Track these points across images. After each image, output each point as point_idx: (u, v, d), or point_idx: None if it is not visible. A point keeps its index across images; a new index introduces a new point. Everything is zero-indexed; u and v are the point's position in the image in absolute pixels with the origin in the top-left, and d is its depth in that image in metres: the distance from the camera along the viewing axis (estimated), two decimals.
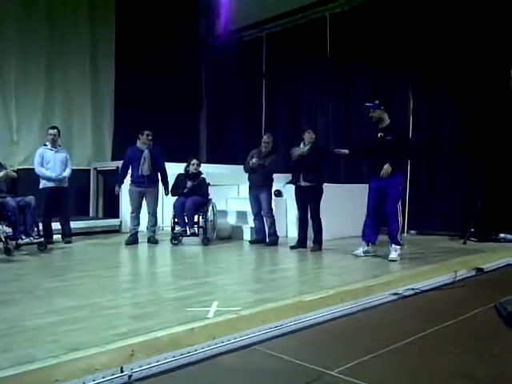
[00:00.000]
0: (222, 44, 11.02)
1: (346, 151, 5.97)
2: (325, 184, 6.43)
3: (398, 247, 5.51)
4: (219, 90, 11.24)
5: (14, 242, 5.85)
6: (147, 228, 6.99)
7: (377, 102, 5.50)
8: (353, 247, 5.89)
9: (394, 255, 5.46)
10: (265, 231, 6.89)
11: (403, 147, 5.48)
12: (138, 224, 6.92)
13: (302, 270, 5.38)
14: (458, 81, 7.68)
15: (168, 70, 10.00)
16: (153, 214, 6.98)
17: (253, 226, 7.17)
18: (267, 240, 6.81)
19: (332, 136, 9.33)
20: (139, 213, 6.93)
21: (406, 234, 7.88)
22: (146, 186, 6.84)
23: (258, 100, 10.56)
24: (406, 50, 8.12)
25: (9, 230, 5.85)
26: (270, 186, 6.89)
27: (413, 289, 4.37)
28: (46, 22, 8.70)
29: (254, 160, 6.72)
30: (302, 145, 6.29)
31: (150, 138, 6.88)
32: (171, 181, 7.05)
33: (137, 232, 6.90)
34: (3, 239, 5.72)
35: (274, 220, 6.84)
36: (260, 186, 6.79)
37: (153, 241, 6.92)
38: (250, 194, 6.93)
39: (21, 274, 4.84)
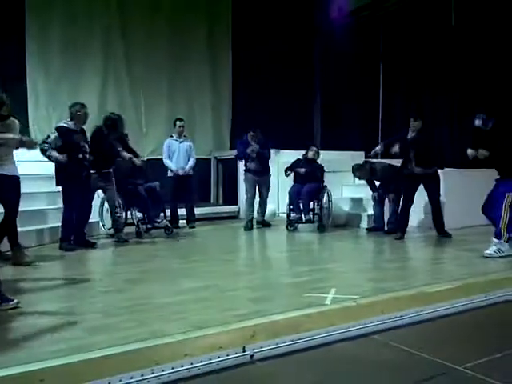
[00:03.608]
0: (336, 28, 10.78)
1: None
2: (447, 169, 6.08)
3: (497, 241, 4.79)
4: (333, 75, 11.04)
5: (144, 226, 6.38)
6: (257, 212, 7.30)
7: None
8: (480, 236, 5.48)
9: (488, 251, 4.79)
10: (384, 218, 6.67)
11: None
12: (253, 210, 7.22)
13: (424, 260, 5.12)
14: None
15: (283, 58, 10.05)
16: (264, 200, 7.29)
17: (370, 212, 6.99)
18: (386, 228, 6.58)
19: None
20: (254, 200, 7.22)
21: None
22: (260, 175, 7.13)
23: (375, 84, 10.17)
24: None
25: (140, 215, 6.40)
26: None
27: None
28: (166, 22, 9.22)
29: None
30: (409, 132, 6.09)
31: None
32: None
33: (252, 218, 7.19)
34: (136, 223, 6.27)
35: (398, 208, 6.59)
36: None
37: (265, 223, 7.30)
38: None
39: (151, 255, 5.28)
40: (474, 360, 2.49)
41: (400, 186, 6.56)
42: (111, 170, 5.91)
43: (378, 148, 6.31)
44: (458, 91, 8.60)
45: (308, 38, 10.84)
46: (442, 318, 3.26)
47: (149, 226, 6.40)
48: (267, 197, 7.32)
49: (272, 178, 7.37)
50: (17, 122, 4.42)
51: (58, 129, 5.39)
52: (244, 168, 7.26)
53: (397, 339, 2.84)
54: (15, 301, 3.12)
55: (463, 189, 6.63)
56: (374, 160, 6.91)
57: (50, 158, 5.32)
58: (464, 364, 2.45)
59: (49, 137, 5.36)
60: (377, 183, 6.79)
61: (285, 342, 2.69)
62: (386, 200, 6.67)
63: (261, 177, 7.16)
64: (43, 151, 5.31)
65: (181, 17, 9.33)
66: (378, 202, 6.71)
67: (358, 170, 6.82)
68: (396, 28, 9.65)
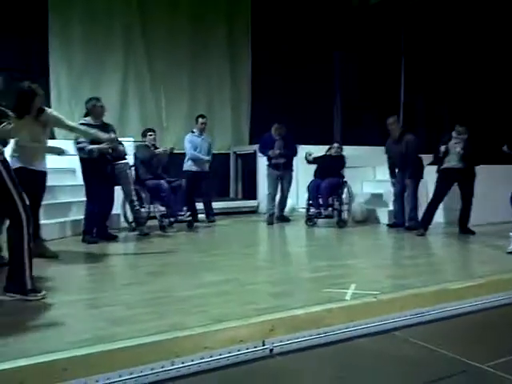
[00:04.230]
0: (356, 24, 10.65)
1: None
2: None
3: None
4: (354, 72, 10.93)
5: (167, 220, 6.43)
6: (277, 207, 7.31)
7: None
8: (504, 233, 5.37)
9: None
10: (404, 214, 6.59)
11: None
12: (275, 205, 7.24)
13: (445, 257, 5.06)
14: None
15: (302, 55, 10.00)
16: (285, 196, 7.33)
17: (391, 208, 6.93)
18: (406, 224, 6.52)
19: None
20: (275, 195, 7.25)
21: None
22: (283, 169, 7.16)
23: (396, 79, 10.04)
24: None
25: (163, 208, 6.45)
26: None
27: None
28: (187, 20, 9.27)
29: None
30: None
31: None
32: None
33: (274, 213, 7.20)
34: (158, 217, 6.33)
35: (417, 204, 6.52)
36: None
37: (284, 218, 7.34)
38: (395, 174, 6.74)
39: (173, 249, 5.32)
40: (497, 358, 2.46)
41: (418, 172, 6.48)
42: (123, 162, 5.87)
43: (443, 147, 6.15)
44: (484, 88, 8.43)
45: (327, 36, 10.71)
46: (464, 315, 3.22)
47: (171, 219, 6.45)
48: (288, 192, 7.35)
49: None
50: (51, 114, 4.43)
51: None
52: (267, 163, 7.27)
53: (417, 336, 2.82)
54: (43, 292, 3.19)
55: (487, 185, 6.52)
56: None
57: (91, 151, 5.28)
58: (486, 362, 2.41)
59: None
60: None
61: (305, 337, 2.70)
62: (406, 194, 6.58)
63: (283, 171, 7.18)
64: (80, 149, 5.33)
65: (201, 15, 9.36)
66: (399, 198, 6.63)
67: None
68: (419, 22, 9.49)
